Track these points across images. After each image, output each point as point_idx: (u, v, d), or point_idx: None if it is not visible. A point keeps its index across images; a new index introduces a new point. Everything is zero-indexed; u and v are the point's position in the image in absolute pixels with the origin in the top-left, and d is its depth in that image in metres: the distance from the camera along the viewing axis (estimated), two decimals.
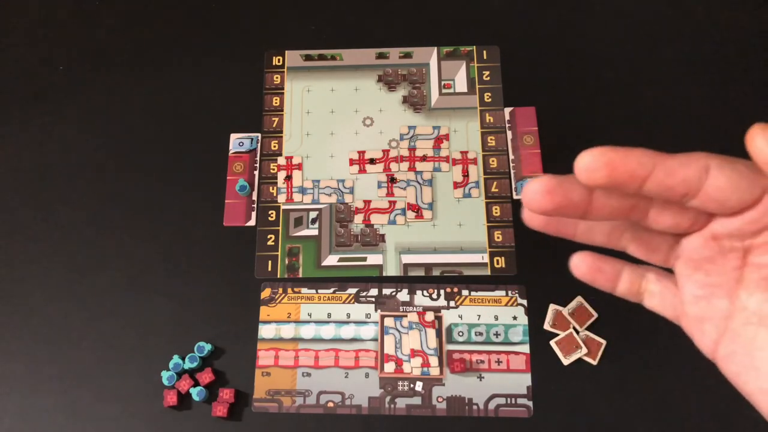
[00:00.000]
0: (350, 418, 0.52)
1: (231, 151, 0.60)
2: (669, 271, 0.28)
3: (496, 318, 0.54)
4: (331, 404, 0.52)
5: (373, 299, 0.55)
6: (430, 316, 0.54)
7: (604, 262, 0.29)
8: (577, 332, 0.53)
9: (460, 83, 0.62)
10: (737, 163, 0.23)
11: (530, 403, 0.51)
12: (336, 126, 0.61)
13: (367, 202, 0.58)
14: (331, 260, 0.56)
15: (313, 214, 0.58)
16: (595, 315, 0.53)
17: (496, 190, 0.58)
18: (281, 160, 0.60)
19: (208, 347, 0.53)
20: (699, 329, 0.26)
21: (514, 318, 0.54)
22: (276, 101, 0.62)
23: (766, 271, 0.24)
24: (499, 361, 0.52)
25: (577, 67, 0.62)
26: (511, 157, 0.59)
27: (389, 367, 0.52)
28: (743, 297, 0.25)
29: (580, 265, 0.29)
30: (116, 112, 0.62)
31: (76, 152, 0.60)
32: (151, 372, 0.53)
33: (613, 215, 0.25)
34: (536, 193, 0.24)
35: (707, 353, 0.26)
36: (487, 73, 0.62)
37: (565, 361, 0.52)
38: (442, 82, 0.62)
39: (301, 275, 0.56)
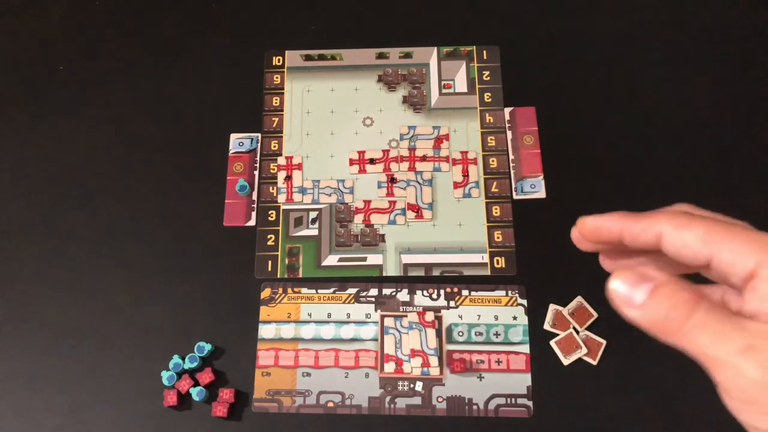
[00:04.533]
0: (350, 418, 0.52)
1: (231, 151, 0.60)
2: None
3: (496, 318, 0.54)
4: (331, 404, 0.52)
5: (373, 299, 0.55)
6: (430, 316, 0.54)
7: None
8: (577, 332, 0.53)
9: (460, 83, 0.62)
10: (688, 231, 0.25)
11: (530, 403, 0.51)
12: (336, 126, 0.61)
13: (367, 202, 0.58)
14: (331, 260, 0.56)
15: (313, 214, 0.58)
16: (595, 315, 0.53)
17: (496, 190, 0.58)
18: (281, 160, 0.60)
19: (208, 347, 0.53)
20: None
21: (514, 318, 0.54)
22: (276, 101, 0.62)
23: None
24: (499, 361, 0.52)
25: (577, 67, 0.62)
26: (511, 157, 0.59)
27: (389, 367, 0.52)
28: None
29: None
30: (116, 112, 0.62)
31: (76, 152, 0.60)
32: (151, 372, 0.53)
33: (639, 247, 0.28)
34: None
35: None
36: (487, 73, 0.62)
37: (565, 361, 0.52)
38: (442, 82, 0.62)
39: (301, 275, 0.56)
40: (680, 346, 0.24)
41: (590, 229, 0.28)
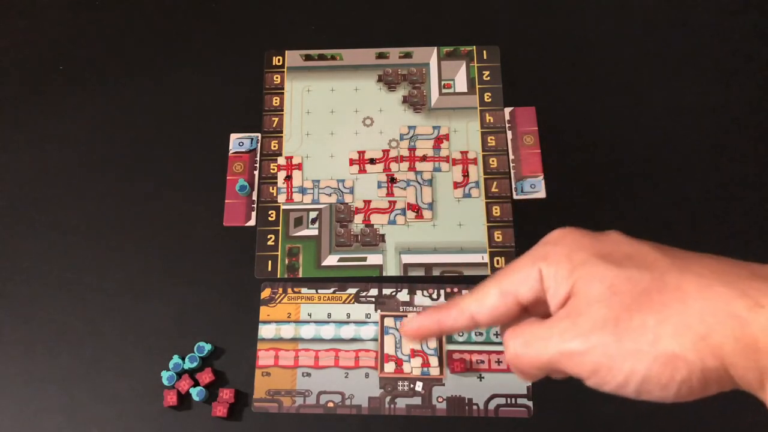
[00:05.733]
0: (350, 418, 0.52)
1: (231, 151, 0.60)
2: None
3: None
4: (331, 404, 0.52)
5: (373, 299, 0.55)
6: None
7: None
8: None
9: (460, 83, 0.62)
10: (485, 297, 0.31)
11: (530, 403, 0.51)
12: (336, 126, 0.61)
13: (367, 202, 0.58)
14: (331, 260, 0.56)
15: (313, 214, 0.58)
16: None
17: (496, 190, 0.58)
18: (281, 160, 0.60)
19: (208, 347, 0.53)
20: None
21: None
22: (276, 101, 0.62)
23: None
24: (499, 361, 0.52)
25: (577, 67, 0.62)
26: (511, 157, 0.59)
27: (389, 367, 0.52)
28: None
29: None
30: (116, 112, 0.62)
31: (75, 152, 0.60)
32: (151, 372, 0.53)
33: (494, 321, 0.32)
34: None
35: None
36: (487, 73, 0.62)
37: None
38: (442, 82, 0.62)
39: (301, 275, 0.56)
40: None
41: (413, 333, 0.33)
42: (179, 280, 0.56)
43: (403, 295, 0.55)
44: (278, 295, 0.55)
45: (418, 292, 0.55)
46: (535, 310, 0.30)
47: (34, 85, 0.63)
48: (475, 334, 0.53)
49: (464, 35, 0.64)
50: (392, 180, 0.59)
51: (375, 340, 0.53)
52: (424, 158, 0.59)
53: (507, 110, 0.61)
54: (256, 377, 0.53)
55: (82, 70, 0.63)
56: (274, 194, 0.59)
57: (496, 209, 0.57)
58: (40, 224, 0.58)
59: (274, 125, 0.61)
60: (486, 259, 0.56)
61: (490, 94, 0.62)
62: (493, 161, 0.59)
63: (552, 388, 0.52)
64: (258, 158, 0.60)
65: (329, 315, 0.54)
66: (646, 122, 0.60)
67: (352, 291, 0.55)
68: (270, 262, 0.56)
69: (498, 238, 0.56)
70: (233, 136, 0.61)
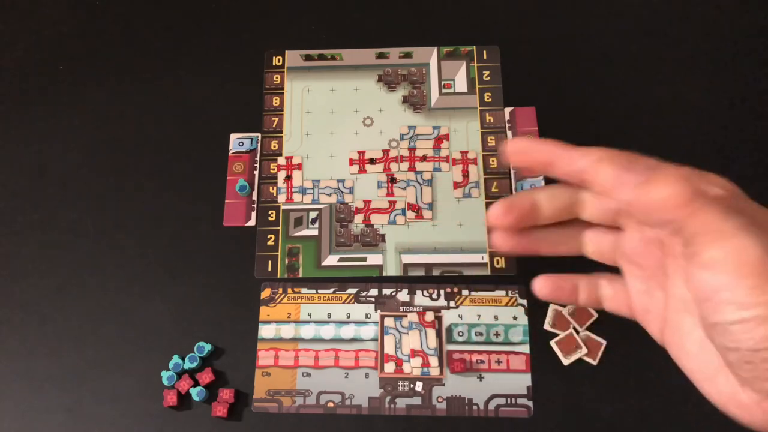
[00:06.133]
0: (350, 418, 0.52)
1: (231, 151, 0.60)
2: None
3: (496, 318, 0.54)
4: (331, 404, 0.52)
5: (373, 299, 0.55)
6: (430, 316, 0.54)
7: (561, 279, 0.33)
8: (577, 332, 0.53)
9: (460, 83, 0.62)
10: (625, 158, 0.27)
11: (530, 403, 0.51)
12: (336, 126, 0.61)
13: (367, 202, 0.58)
14: (331, 260, 0.56)
15: (313, 214, 0.58)
16: (595, 315, 0.53)
17: (496, 190, 0.58)
18: (281, 160, 0.60)
19: (208, 347, 0.53)
20: (647, 320, 0.30)
21: (514, 318, 0.54)
22: (276, 101, 0.62)
23: (680, 260, 0.27)
24: (499, 361, 0.52)
25: (577, 67, 0.62)
26: None
27: (389, 367, 0.52)
28: (671, 286, 0.28)
29: (542, 288, 0.33)
30: (116, 112, 0.62)
31: (75, 152, 0.60)
32: (151, 372, 0.53)
33: (560, 214, 0.31)
34: (497, 215, 0.30)
35: (659, 341, 0.30)
36: (487, 73, 0.62)
37: (565, 361, 0.52)
38: (442, 82, 0.62)
39: (301, 275, 0.56)
40: (680, 223, 0.25)
41: (522, 147, 0.30)
42: (179, 280, 0.56)
43: (403, 295, 0.55)
44: (278, 295, 0.55)
45: (418, 292, 0.55)
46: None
47: (34, 85, 0.63)
48: (475, 334, 0.53)
49: (464, 35, 0.64)
50: (392, 180, 0.59)
51: (375, 340, 0.53)
52: (424, 158, 0.59)
53: (507, 110, 0.61)
54: (256, 377, 0.53)
55: (82, 70, 0.63)
56: (274, 194, 0.59)
57: None
58: (40, 224, 0.58)
59: (274, 125, 0.61)
60: (486, 259, 0.56)
61: (490, 94, 0.62)
62: (493, 161, 0.59)
63: (552, 388, 0.52)
64: (258, 158, 0.60)
65: (329, 315, 0.54)
66: (646, 122, 0.60)
67: (352, 291, 0.55)
68: (270, 262, 0.56)
69: None
70: (233, 136, 0.61)
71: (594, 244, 0.32)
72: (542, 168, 0.29)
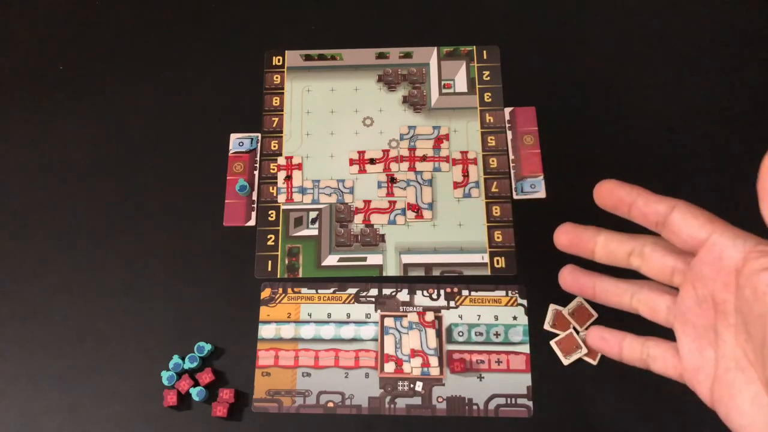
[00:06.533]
0: (350, 418, 0.52)
1: (231, 151, 0.60)
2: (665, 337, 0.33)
3: (496, 318, 0.54)
4: (331, 404, 0.52)
5: (373, 299, 0.55)
6: (430, 316, 0.54)
7: (609, 333, 0.35)
8: (577, 332, 0.53)
9: (460, 83, 0.62)
10: (697, 210, 0.31)
11: (530, 403, 0.51)
12: (336, 126, 0.61)
13: (367, 202, 0.58)
14: (331, 260, 0.56)
15: (313, 214, 0.58)
16: (595, 315, 0.53)
17: (496, 190, 0.58)
18: (281, 160, 0.60)
19: (208, 347, 0.53)
20: (697, 380, 0.31)
21: (514, 318, 0.54)
22: (276, 101, 0.62)
23: (732, 318, 0.29)
24: (499, 361, 0.52)
25: (577, 67, 0.62)
26: (511, 157, 0.59)
27: (389, 367, 0.52)
28: (722, 344, 0.30)
29: (591, 337, 0.36)
30: (116, 112, 0.62)
31: (75, 152, 0.60)
32: (151, 372, 0.53)
33: (613, 257, 0.34)
34: (558, 232, 0.35)
35: (707, 402, 0.31)
36: (487, 73, 0.62)
37: (565, 361, 0.52)
38: (442, 82, 0.62)
39: (301, 275, 0.56)
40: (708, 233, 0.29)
41: (609, 188, 0.33)
42: (179, 280, 0.56)
43: (403, 295, 0.55)
44: (278, 295, 0.55)
45: (418, 292, 0.55)
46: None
47: (34, 85, 0.63)
48: (475, 334, 0.53)
49: (464, 35, 0.64)
50: (392, 180, 0.59)
51: (375, 340, 0.53)
52: (424, 158, 0.59)
53: (507, 110, 0.61)
54: (256, 377, 0.53)
55: (82, 70, 0.63)
56: (274, 194, 0.59)
57: (496, 209, 0.57)
58: (40, 224, 0.58)
59: (274, 125, 0.61)
60: (486, 259, 0.56)
61: (490, 94, 0.62)
62: (493, 161, 0.59)
63: (552, 388, 0.52)
64: (258, 158, 0.60)
65: (329, 315, 0.54)
66: (646, 122, 0.60)
67: (352, 291, 0.55)
68: (270, 262, 0.56)
69: (498, 238, 0.56)
70: (233, 136, 0.61)
71: (648, 304, 0.34)
72: (625, 208, 0.32)
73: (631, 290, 0.34)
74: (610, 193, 0.32)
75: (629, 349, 0.34)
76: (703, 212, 0.30)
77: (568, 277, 0.36)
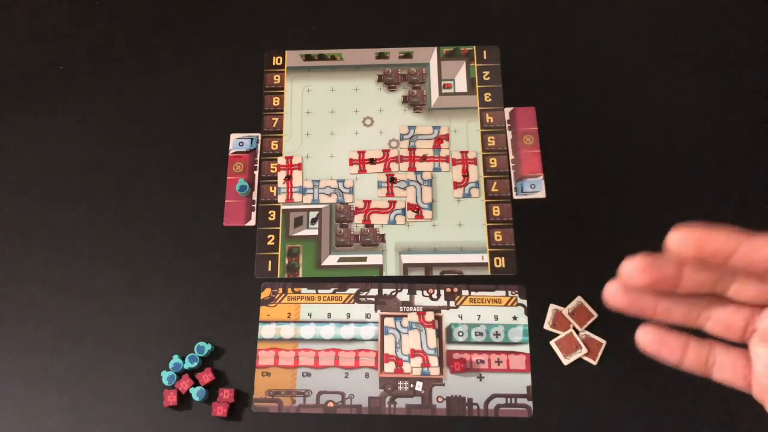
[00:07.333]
0: (350, 418, 0.52)
1: (231, 151, 0.60)
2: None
3: (496, 318, 0.54)
4: (331, 404, 0.52)
5: (373, 299, 0.55)
6: (430, 316, 0.54)
7: (670, 335, 0.30)
8: (577, 332, 0.53)
9: (460, 83, 0.62)
10: None
11: (530, 403, 0.51)
12: (336, 126, 0.61)
13: (367, 202, 0.58)
14: (331, 260, 0.56)
15: (313, 214, 0.58)
16: (595, 315, 0.53)
17: (496, 190, 0.58)
18: (281, 160, 0.60)
19: (208, 347, 0.53)
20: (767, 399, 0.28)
21: (514, 318, 0.54)
22: (276, 101, 0.62)
23: None
24: (499, 361, 0.52)
25: (577, 67, 0.62)
26: (511, 157, 0.59)
27: (389, 367, 0.52)
28: None
29: (645, 337, 0.31)
30: (116, 112, 0.62)
31: (75, 152, 0.60)
32: (151, 372, 0.53)
33: (700, 288, 0.27)
34: (633, 270, 0.26)
35: None
36: (487, 73, 0.62)
37: (565, 361, 0.52)
38: (442, 82, 0.62)
39: (301, 275, 0.56)
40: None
41: (696, 239, 0.25)
42: (179, 280, 0.56)
43: (403, 295, 0.55)
44: (278, 295, 0.55)
45: (418, 292, 0.55)
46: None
47: (34, 85, 0.63)
48: (475, 334, 0.53)
49: (464, 35, 0.64)
50: (392, 180, 0.59)
51: (375, 340, 0.53)
52: (424, 158, 0.59)
53: (507, 110, 0.61)
54: (256, 377, 0.53)
55: (82, 70, 0.63)
56: (274, 194, 0.59)
57: (496, 209, 0.57)
58: (40, 224, 0.58)
59: (274, 125, 0.61)
60: (486, 259, 0.56)
61: (490, 94, 0.62)
62: (493, 161, 0.59)
63: (552, 388, 0.52)
64: (258, 158, 0.60)
65: (329, 315, 0.54)
66: (645, 122, 0.60)
67: (352, 291, 0.55)
68: (270, 262, 0.56)
69: (498, 238, 0.56)
70: (233, 136, 0.61)
71: (721, 320, 0.29)
72: (716, 260, 0.25)
73: (697, 305, 0.29)
74: (709, 244, 0.25)
75: (695, 354, 0.30)
76: None
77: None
